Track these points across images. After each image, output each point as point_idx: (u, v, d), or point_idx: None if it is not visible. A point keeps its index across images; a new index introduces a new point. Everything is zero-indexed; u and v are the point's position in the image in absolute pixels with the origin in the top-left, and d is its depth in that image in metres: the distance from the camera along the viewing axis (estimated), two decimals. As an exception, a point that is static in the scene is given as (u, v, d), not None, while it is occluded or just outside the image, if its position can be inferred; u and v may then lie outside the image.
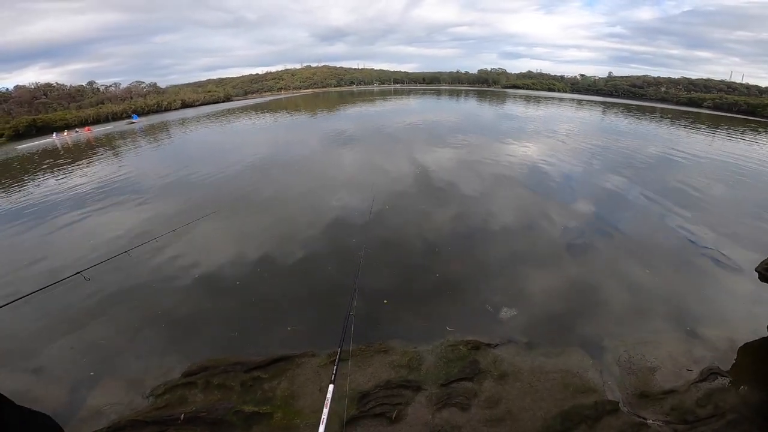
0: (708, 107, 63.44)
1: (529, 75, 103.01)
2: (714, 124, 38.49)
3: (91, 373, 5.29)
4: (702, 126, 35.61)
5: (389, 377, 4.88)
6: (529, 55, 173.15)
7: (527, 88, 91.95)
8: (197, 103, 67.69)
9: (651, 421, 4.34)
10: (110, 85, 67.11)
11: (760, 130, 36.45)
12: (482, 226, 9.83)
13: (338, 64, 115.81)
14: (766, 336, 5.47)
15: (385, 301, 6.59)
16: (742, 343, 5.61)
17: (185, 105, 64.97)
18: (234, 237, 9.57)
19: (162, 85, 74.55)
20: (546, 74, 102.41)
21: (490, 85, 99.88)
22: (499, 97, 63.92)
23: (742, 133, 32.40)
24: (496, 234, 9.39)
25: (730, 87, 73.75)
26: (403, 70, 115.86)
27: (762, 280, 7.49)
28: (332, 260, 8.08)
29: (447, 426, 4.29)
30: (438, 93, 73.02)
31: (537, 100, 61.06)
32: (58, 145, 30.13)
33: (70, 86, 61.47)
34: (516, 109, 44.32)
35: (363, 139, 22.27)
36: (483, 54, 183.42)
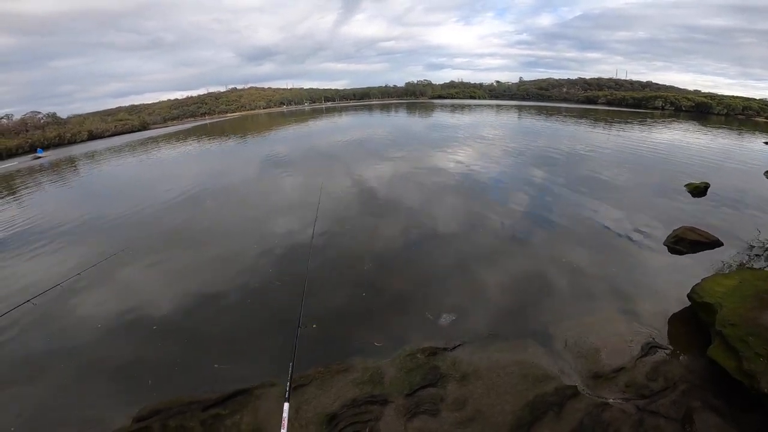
0: (603, 103, 73.08)
1: (452, 84, 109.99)
2: (610, 118, 44.24)
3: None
4: (601, 121, 40.69)
5: (354, 395, 4.81)
6: (451, 66, 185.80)
7: (452, 98, 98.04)
8: (107, 134, 61.01)
9: (612, 400, 4.55)
10: (1, 117, 57.63)
11: (647, 120, 42.70)
12: (425, 235, 9.96)
13: (266, 85, 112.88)
14: (688, 305, 6.06)
15: (314, 325, 6.27)
16: (671, 314, 6.18)
17: (93, 136, 58.13)
18: (164, 276, 8.67)
19: (63, 114, 65.41)
20: (467, 83, 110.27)
21: (417, 96, 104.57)
22: (428, 108, 67.07)
23: (634, 124, 37.62)
24: (439, 241, 9.56)
25: (618, 83, 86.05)
26: (333, 88, 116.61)
27: (671, 253, 8.56)
28: (277, 291, 7.60)
29: (422, 434, 4.23)
30: (369, 108, 74.49)
31: (462, 108, 65.18)
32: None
33: (-50, 120, 51.77)
34: (444, 118, 46.78)
35: (299, 161, 21.70)
36: (409, 67, 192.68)
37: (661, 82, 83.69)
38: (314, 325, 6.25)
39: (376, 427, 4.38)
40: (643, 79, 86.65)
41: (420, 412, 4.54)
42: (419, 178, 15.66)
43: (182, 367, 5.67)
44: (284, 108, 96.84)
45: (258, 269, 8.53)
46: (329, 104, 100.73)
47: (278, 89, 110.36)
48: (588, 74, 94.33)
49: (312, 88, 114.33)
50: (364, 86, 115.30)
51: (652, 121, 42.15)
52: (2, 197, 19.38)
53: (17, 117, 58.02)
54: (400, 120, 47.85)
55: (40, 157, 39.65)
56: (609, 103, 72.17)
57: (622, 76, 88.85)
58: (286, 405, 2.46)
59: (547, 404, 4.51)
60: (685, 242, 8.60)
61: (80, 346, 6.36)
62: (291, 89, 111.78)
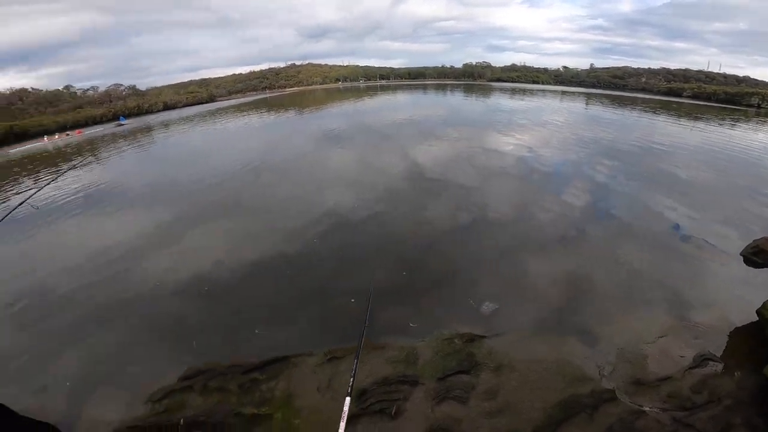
0: (688, 96, 64.92)
1: (513, 68, 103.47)
2: (696, 112, 39.38)
3: (89, 382, 5.21)
4: (684, 115, 36.38)
5: (387, 373, 4.89)
6: (513, 49, 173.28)
7: (512, 81, 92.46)
8: (180, 105, 65.99)
9: (648, 409, 4.39)
10: (88, 89, 64.74)
11: (741, 118, 37.45)
12: (475, 219, 9.87)
13: (324, 62, 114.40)
14: (755, 320, 5.57)
15: (352, 300, 6.47)
16: (733, 328, 5.73)
17: (167, 107, 63.24)
18: (218, 242, 9.32)
19: (141, 87, 72.18)
20: (530, 67, 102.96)
21: (475, 78, 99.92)
22: (486, 90, 64.09)
23: (724, 120, 33.22)
24: (490, 226, 9.45)
25: (708, 77, 75.40)
26: (389, 66, 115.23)
27: (747, 264, 7.75)
28: (321, 263, 7.97)
29: (447, 420, 4.31)
30: (424, 88, 72.89)
31: (522, 92, 61.45)
32: (51, 149, 29.01)
33: (46, 90, 59.18)
34: (503, 101, 44.51)
35: (354, 138, 22.11)
36: (468, 48, 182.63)
37: (760, 78, 71.97)
38: (352, 300, 6.47)
39: (403, 407, 4.46)
40: (740, 73, 74.96)
41: (449, 397, 4.56)
42: (474, 161, 15.34)
43: (226, 329, 6.08)
44: (340, 84, 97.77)
45: (305, 241, 8.91)
46: (383, 82, 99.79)
47: (334, 66, 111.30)
48: (673, 65, 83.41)
49: (368, 66, 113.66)
50: (420, 66, 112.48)
51: (746, 119, 36.89)
52: (88, 161, 22.12)
53: (102, 89, 64.94)
54: (457, 100, 46.38)
55: (122, 125, 43.85)
56: (695, 97, 63.82)
57: (715, 69, 77.63)
58: (347, 399, 2.40)
59: (581, 405, 4.41)
60: (766, 254, 7.73)
61: (137, 301, 6.96)
62: (347, 66, 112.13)
